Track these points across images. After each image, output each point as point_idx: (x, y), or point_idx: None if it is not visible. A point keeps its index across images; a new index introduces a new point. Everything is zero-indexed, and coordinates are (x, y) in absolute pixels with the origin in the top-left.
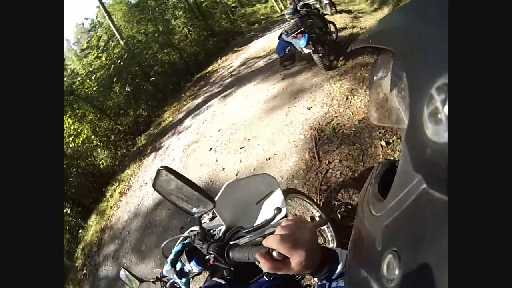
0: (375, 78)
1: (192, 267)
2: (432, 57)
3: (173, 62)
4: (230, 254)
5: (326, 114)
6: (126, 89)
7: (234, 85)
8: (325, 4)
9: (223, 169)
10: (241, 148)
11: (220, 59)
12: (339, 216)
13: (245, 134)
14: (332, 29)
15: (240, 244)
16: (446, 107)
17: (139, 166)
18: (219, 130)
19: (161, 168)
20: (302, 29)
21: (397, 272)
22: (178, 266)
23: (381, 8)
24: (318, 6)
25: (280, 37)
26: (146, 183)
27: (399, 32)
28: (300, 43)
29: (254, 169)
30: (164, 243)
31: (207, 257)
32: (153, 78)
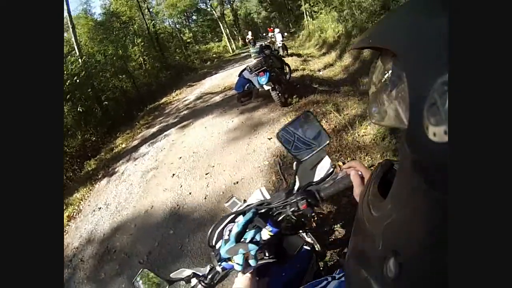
0: (374, 78)
1: (267, 230)
2: (432, 57)
3: (125, 90)
4: (321, 194)
5: None
6: (78, 109)
7: (191, 117)
8: (279, 47)
9: (190, 193)
10: (206, 174)
11: (174, 91)
12: (314, 224)
13: (209, 161)
14: (286, 70)
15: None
16: (446, 107)
17: (90, 190)
18: (180, 157)
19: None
20: (265, 67)
21: (397, 272)
22: (249, 235)
23: (328, 53)
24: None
25: (240, 74)
26: (100, 208)
27: (399, 32)
28: (262, 80)
29: (222, 192)
30: (210, 231)
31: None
32: (106, 103)
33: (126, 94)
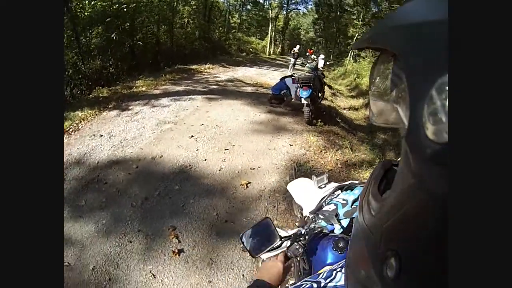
0: (375, 78)
1: None
2: (432, 57)
3: (160, 41)
4: None
5: (304, 155)
6: (112, 36)
7: (220, 94)
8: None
9: (205, 160)
10: (225, 149)
11: (206, 64)
12: None
13: (230, 139)
14: (320, 94)
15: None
16: (446, 107)
17: (96, 114)
18: (202, 124)
19: (267, 219)
20: (311, 84)
21: (397, 272)
22: None
23: (357, 98)
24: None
25: (282, 79)
26: (101, 135)
27: (399, 32)
28: (304, 94)
29: (238, 171)
30: (318, 201)
31: None
32: (140, 42)
33: (159, 45)
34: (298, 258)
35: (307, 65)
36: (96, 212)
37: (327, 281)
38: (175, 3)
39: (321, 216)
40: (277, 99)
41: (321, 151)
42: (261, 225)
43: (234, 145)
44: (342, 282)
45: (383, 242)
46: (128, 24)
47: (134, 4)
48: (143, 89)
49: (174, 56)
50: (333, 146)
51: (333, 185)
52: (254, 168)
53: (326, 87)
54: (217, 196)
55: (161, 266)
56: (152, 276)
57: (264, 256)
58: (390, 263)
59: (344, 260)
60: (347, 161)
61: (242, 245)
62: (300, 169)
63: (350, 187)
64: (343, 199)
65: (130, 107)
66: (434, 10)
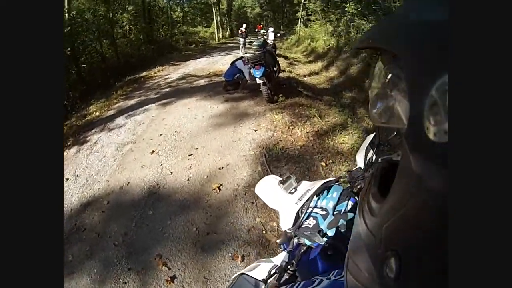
0: (374, 78)
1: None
2: (432, 57)
3: (105, 56)
4: None
5: (271, 137)
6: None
7: (173, 96)
8: (270, 45)
9: (171, 173)
10: (189, 155)
11: (156, 67)
12: None
13: (192, 143)
14: (276, 69)
15: None
16: (446, 107)
17: None
18: (161, 134)
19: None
20: (263, 62)
21: (397, 272)
22: (343, 207)
23: (315, 62)
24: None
25: (233, 63)
26: (67, 179)
27: (399, 32)
28: (257, 73)
29: (207, 176)
30: (284, 215)
31: None
32: (84, 65)
33: (105, 61)
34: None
35: (254, 43)
36: (85, 263)
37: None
38: (111, 14)
39: (303, 235)
40: (232, 85)
41: (288, 128)
42: (237, 286)
43: (197, 148)
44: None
45: (383, 242)
46: (69, 49)
47: (69, 27)
48: (97, 114)
49: (122, 68)
50: (300, 119)
51: (304, 187)
52: (222, 168)
53: (281, 59)
54: (192, 210)
55: None
56: None
57: None
58: (390, 264)
59: (333, 270)
60: (318, 130)
61: None
62: (271, 153)
63: (327, 188)
64: (322, 209)
65: (88, 138)
66: (434, 10)
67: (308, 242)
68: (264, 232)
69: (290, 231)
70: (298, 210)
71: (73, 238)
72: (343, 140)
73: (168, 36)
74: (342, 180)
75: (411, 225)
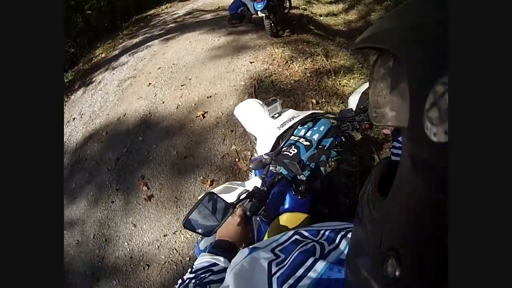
0: (375, 78)
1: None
2: (432, 57)
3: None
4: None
5: (266, 69)
6: None
7: (177, 31)
8: None
9: (163, 102)
10: (182, 85)
11: (164, 4)
12: None
13: (187, 74)
14: (287, 3)
15: None
16: (446, 107)
17: (66, 102)
18: (159, 68)
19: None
20: None
21: (398, 272)
22: (327, 142)
23: (336, 3)
24: None
25: None
26: (74, 118)
27: (399, 32)
28: (258, 6)
29: (194, 104)
30: (268, 139)
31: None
32: (89, 12)
33: (112, 4)
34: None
35: None
36: (84, 188)
37: (331, 246)
38: None
39: (281, 163)
40: (236, 18)
41: (286, 62)
42: (205, 203)
43: (190, 79)
44: (345, 253)
45: (383, 242)
46: None
47: None
48: (103, 55)
49: (130, 8)
50: (301, 55)
51: (289, 114)
52: (211, 96)
53: None
54: (176, 135)
55: (138, 215)
56: (134, 226)
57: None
58: (390, 263)
59: (346, 224)
60: (319, 68)
61: (192, 231)
62: (261, 85)
63: (314, 120)
64: (306, 140)
65: (93, 79)
66: (434, 10)
67: (284, 172)
68: (237, 159)
69: (267, 157)
70: (279, 136)
71: (76, 168)
72: (345, 83)
73: None
74: (331, 116)
75: (411, 225)
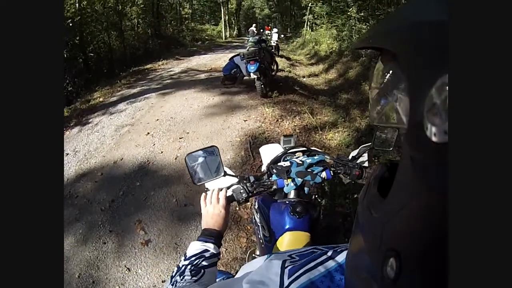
0: (375, 78)
1: (324, 173)
2: (432, 57)
3: (112, 48)
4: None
5: (259, 127)
6: (64, 54)
7: (174, 87)
8: (272, 45)
9: (161, 152)
10: (180, 138)
11: (161, 60)
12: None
13: (184, 128)
14: (274, 67)
15: None
16: (446, 107)
17: None
18: (157, 119)
19: (214, 147)
20: (257, 58)
21: (397, 272)
22: (316, 170)
23: (317, 64)
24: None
25: (231, 59)
26: (67, 154)
27: (399, 32)
28: (251, 68)
29: None
30: (274, 158)
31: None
32: (91, 54)
33: (112, 52)
34: (259, 225)
35: (250, 39)
36: (73, 225)
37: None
38: (120, 6)
39: (274, 170)
40: (229, 79)
41: (277, 121)
42: (208, 152)
43: (188, 133)
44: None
45: (383, 242)
46: (78, 38)
47: (79, 17)
48: (101, 99)
49: (128, 59)
50: (290, 114)
51: (298, 147)
52: None
53: (284, 60)
54: (175, 184)
55: (133, 259)
56: (127, 270)
57: (208, 185)
58: (390, 264)
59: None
60: (306, 125)
61: (186, 166)
62: (256, 141)
63: (312, 154)
64: (300, 160)
65: (90, 120)
66: (434, 10)
67: (275, 177)
68: (237, 208)
69: (266, 167)
70: (282, 154)
71: (66, 203)
72: (331, 137)
73: (176, 31)
74: (328, 157)
75: (411, 225)
